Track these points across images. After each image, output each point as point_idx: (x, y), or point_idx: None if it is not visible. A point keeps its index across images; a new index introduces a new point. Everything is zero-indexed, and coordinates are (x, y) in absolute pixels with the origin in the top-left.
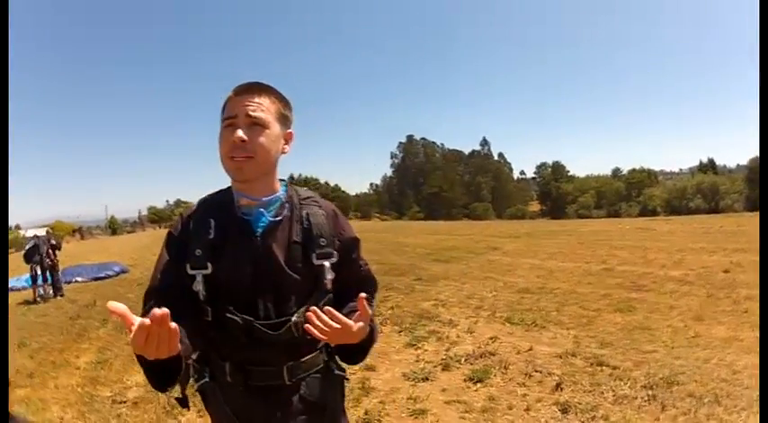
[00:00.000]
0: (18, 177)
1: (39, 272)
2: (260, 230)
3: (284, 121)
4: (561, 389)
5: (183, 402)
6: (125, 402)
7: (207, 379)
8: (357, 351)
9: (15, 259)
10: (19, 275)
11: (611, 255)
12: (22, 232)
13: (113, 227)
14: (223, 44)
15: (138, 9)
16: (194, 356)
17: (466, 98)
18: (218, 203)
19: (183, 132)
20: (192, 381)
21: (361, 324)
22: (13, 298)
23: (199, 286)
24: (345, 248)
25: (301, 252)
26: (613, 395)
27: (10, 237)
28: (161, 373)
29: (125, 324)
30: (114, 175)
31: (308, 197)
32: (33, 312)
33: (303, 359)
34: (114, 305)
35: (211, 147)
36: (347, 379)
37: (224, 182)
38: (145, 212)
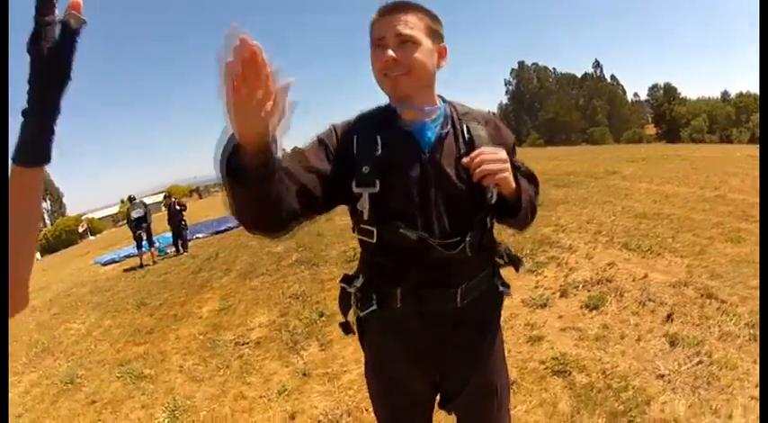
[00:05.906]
0: (130, 151)
1: (144, 237)
2: (428, 146)
3: (434, 35)
4: (672, 320)
5: (346, 328)
6: (248, 343)
7: (374, 307)
8: (519, 204)
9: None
10: (119, 249)
11: (723, 181)
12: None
13: None
14: None
15: None
16: (358, 284)
17: (573, 18)
18: (379, 118)
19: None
20: (353, 309)
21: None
22: (119, 267)
23: (365, 205)
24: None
25: None
26: (719, 331)
27: (120, 209)
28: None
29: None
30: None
31: (468, 112)
32: (152, 273)
33: (475, 279)
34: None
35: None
36: (509, 294)
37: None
38: None
